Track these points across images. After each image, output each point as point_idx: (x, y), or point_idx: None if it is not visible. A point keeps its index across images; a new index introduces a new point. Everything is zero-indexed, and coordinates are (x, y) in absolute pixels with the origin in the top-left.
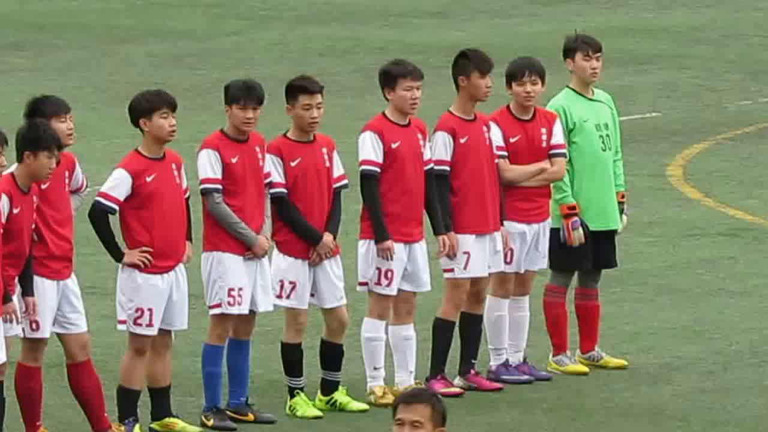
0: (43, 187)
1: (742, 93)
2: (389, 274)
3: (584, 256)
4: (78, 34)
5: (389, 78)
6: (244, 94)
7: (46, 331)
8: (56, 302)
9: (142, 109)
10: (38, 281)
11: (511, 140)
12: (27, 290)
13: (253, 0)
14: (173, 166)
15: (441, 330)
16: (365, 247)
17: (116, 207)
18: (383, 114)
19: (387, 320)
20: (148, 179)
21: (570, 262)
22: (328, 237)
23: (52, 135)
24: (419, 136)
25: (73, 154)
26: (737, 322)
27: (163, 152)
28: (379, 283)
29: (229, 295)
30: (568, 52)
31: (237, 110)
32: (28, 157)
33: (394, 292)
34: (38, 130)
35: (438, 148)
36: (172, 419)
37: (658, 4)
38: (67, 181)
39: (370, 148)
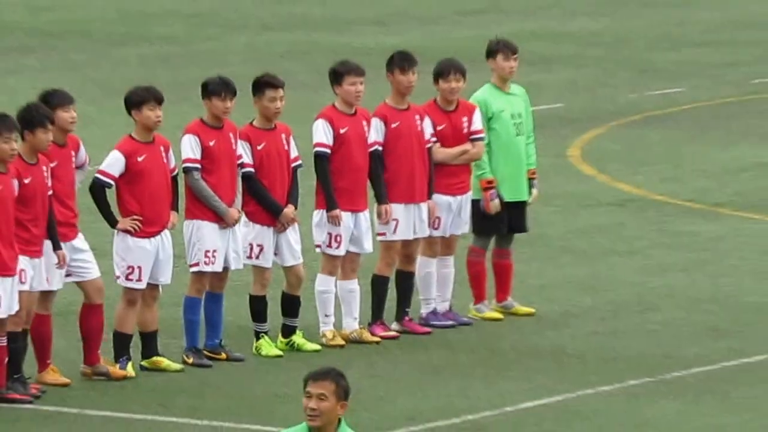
0: (52, 165)
1: (630, 88)
2: (338, 238)
3: (500, 223)
4: (80, 39)
5: (337, 75)
6: (222, 87)
7: (54, 284)
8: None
9: (134, 102)
10: (47, 244)
11: (438, 128)
12: (56, 245)
13: (225, 11)
14: (161, 148)
15: (377, 284)
16: (318, 216)
17: (112, 182)
18: (333, 105)
19: (336, 276)
20: (139, 159)
21: (488, 227)
22: (289, 209)
23: (44, 113)
24: (364, 123)
25: (78, 137)
26: (625, 277)
27: (153, 137)
28: (329, 246)
29: (206, 256)
30: (490, 54)
31: (217, 101)
32: (27, 135)
33: (342, 253)
34: (31, 111)
35: (371, 132)
36: (158, 358)
37: (561, 13)
38: (73, 159)
39: (321, 134)
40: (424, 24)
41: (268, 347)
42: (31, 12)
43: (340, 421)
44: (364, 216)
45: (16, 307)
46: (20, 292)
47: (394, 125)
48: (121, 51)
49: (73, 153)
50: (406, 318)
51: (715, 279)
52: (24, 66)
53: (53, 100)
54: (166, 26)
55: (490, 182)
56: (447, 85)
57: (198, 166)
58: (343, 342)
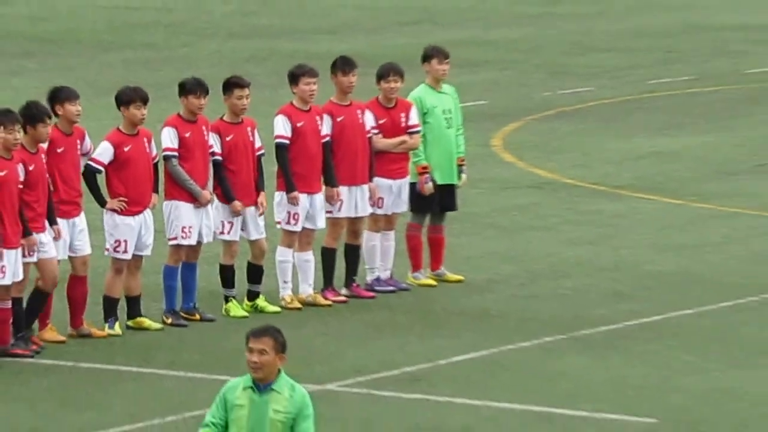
0: (59, 150)
1: (544, 87)
2: (296, 216)
3: (433, 202)
4: (74, 45)
5: (293, 77)
6: (197, 87)
7: (57, 255)
8: (68, 235)
9: (123, 100)
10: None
11: (380, 122)
12: (52, 221)
13: (198, 21)
14: (145, 139)
15: (326, 255)
16: (279, 197)
17: (102, 168)
18: (291, 103)
19: (293, 248)
20: (126, 149)
21: (423, 206)
22: (261, 196)
23: (43, 110)
24: (317, 118)
25: (83, 128)
26: (540, 249)
27: (137, 130)
28: (288, 223)
29: (182, 231)
30: (426, 58)
31: (192, 99)
32: (29, 129)
33: (299, 229)
34: (32, 108)
35: (323, 126)
36: (141, 318)
37: (486, 24)
38: (78, 147)
39: (281, 127)
40: (369, 33)
41: (236, 309)
42: (32, 22)
43: (279, 371)
44: (318, 197)
45: (21, 276)
46: (25, 264)
47: (339, 119)
48: (109, 56)
49: (78, 141)
50: (354, 284)
51: (618, 250)
52: (25, 68)
53: (62, 95)
54: (147, 35)
55: (424, 168)
56: (387, 86)
57: (176, 154)
58: (299, 305)
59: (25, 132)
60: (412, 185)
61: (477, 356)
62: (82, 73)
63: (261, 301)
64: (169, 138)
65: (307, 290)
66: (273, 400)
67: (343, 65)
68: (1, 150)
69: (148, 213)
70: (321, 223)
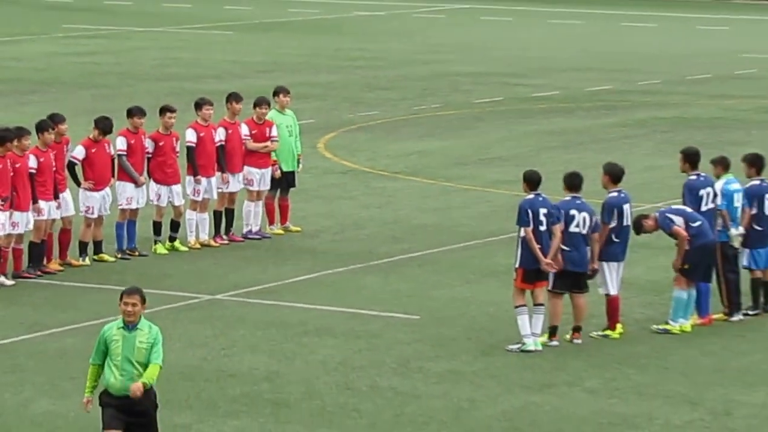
0: (53, 153)
1: (349, 111)
2: (198, 191)
3: (283, 182)
4: (60, 85)
5: (197, 105)
6: (138, 111)
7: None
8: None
9: (97, 125)
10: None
11: (253, 132)
12: (56, 195)
13: (136, 70)
14: (106, 145)
15: (216, 215)
16: (189, 179)
17: (78, 162)
18: (196, 121)
19: (196, 210)
20: (93, 150)
21: (276, 184)
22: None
23: (49, 124)
24: (213, 131)
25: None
26: (347, 211)
27: (101, 138)
28: (194, 195)
29: (126, 201)
30: (276, 93)
31: (135, 119)
32: (40, 135)
33: (200, 199)
34: (42, 123)
35: (218, 134)
36: (103, 254)
37: (314, 72)
38: (65, 150)
39: (191, 136)
40: (241, 77)
41: (161, 248)
42: (35, 71)
43: (140, 316)
44: (215, 179)
45: (31, 227)
46: (39, 221)
47: (230, 131)
48: (81, 92)
49: (65, 147)
50: (231, 233)
51: (395, 211)
52: (31, 101)
53: (57, 118)
54: (105, 79)
55: (275, 161)
56: (260, 110)
57: (125, 153)
58: (199, 246)
59: (39, 137)
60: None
61: (309, 277)
62: (66, 103)
63: (177, 244)
64: (121, 143)
65: (203, 237)
66: (138, 335)
67: (235, 97)
68: (18, 151)
69: (107, 190)
70: (215, 195)
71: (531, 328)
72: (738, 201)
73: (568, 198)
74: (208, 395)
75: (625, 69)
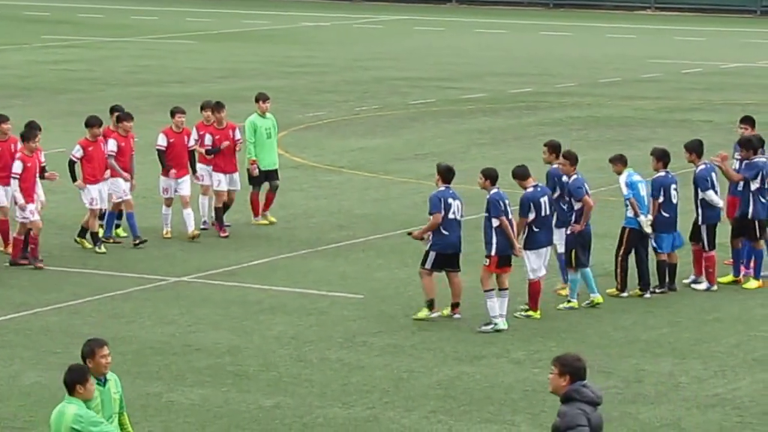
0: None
1: (299, 113)
2: (168, 190)
3: (265, 179)
4: (40, 90)
5: (172, 113)
6: (126, 116)
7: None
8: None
9: (89, 123)
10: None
11: (217, 137)
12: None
13: (108, 77)
14: (102, 144)
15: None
16: (161, 178)
17: (77, 160)
18: (170, 127)
19: (171, 206)
20: (90, 149)
21: (256, 181)
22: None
23: (34, 133)
24: (185, 137)
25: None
26: (298, 202)
27: (96, 138)
28: (164, 193)
29: (116, 194)
30: (257, 100)
31: (125, 123)
32: (27, 142)
33: (173, 196)
34: (30, 127)
35: (206, 140)
36: (84, 240)
37: (266, 77)
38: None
39: (162, 141)
40: (201, 83)
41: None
42: (17, 78)
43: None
44: (186, 179)
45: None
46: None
47: (217, 136)
48: (59, 97)
49: (12, 146)
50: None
51: (340, 202)
52: (14, 104)
53: (34, 124)
54: (80, 84)
55: (254, 161)
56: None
57: (114, 153)
58: (169, 236)
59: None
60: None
61: (266, 260)
62: (45, 107)
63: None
64: (112, 144)
65: (191, 227)
66: (110, 387)
67: (217, 105)
68: (28, 151)
69: (103, 183)
70: (187, 192)
71: (498, 310)
72: (643, 190)
73: (442, 188)
74: (177, 367)
75: (544, 73)
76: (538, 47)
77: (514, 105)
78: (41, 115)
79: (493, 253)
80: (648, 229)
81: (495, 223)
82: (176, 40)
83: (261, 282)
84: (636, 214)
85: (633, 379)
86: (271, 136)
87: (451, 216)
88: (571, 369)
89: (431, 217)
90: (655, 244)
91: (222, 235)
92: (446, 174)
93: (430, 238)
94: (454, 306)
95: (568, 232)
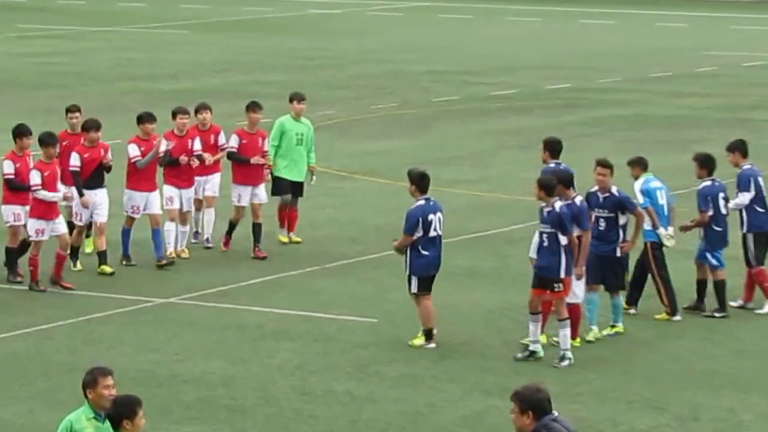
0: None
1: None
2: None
3: (291, 190)
4: (18, 85)
5: (174, 114)
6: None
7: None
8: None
9: (86, 127)
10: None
11: (244, 141)
12: None
13: (92, 71)
14: (102, 150)
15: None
16: (165, 187)
17: (78, 169)
18: (172, 131)
19: (176, 220)
20: (85, 155)
21: (279, 191)
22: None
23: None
24: (190, 141)
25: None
26: (303, 212)
27: (96, 143)
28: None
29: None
30: (291, 100)
31: (147, 125)
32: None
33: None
34: (19, 127)
35: (231, 141)
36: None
37: (264, 71)
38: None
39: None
40: (196, 77)
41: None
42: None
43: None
44: (192, 189)
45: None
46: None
47: (244, 141)
48: (38, 92)
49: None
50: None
51: (352, 212)
52: None
53: (22, 127)
54: (62, 78)
55: (269, 165)
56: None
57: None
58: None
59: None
60: (275, 178)
61: (266, 279)
62: (23, 102)
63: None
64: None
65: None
66: (109, 425)
67: (252, 106)
68: (45, 158)
69: (103, 191)
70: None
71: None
72: (662, 198)
73: (421, 201)
74: (161, 401)
75: (585, 67)
76: (577, 37)
77: (550, 102)
78: (16, 114)
79: (562, 275)
80: (669, 243)
81: (563, 240)
82: (167, 30)
83: (260, 303)
84: (654, 226)
85: (688, 416)
86: (302, 143)
87: (432, 233)
88: (532, 403)
89: (404, 235)
90: (714, 262)
91: (224, 248)
92: (421, 182)
93: (407, 257)
94: (429, 334)
95: (620, 253)
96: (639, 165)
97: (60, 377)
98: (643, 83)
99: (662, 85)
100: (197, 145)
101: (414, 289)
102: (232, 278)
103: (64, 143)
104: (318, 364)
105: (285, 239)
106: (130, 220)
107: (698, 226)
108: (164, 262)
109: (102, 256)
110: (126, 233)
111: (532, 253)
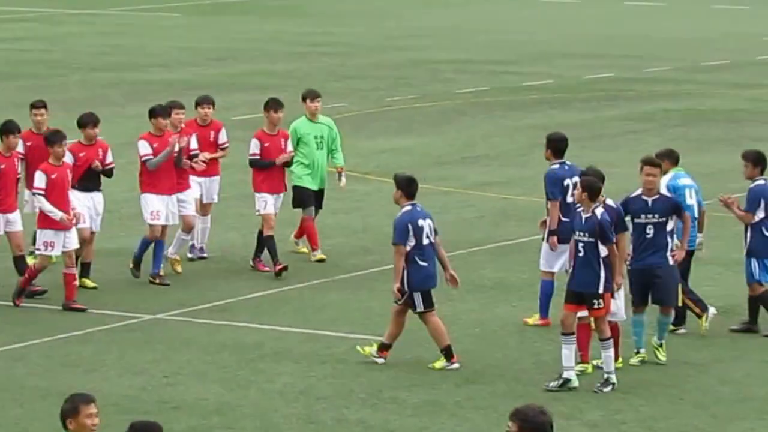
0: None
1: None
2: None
3: (313, 201)
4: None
5: (168, 110)
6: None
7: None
8: None
9: (82, 123)
10: None
11: (265, 145)
12: None
13: (68, 59)
14: (99, 150)
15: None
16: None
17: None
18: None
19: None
20: (81, 155)
21: (302, 202)
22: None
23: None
24: (186, 138)
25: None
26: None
27: (94, 141)
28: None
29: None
30: (304, 99)
31: (161, 119)
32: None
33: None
34: (6, 123)
35: (252, 147)
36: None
37: (271, 60)
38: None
39: (144, 149)
40: (189, 66)
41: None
42: None
43: None
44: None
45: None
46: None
47: (266, 144)
48: (6, 83)
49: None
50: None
51: (365, 218)
52: None
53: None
54: (33, 68)
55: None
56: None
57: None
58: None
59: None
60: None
61: (266, 293)
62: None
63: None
64: (144, 146)
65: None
66: None
67: (272, 105)
68: (54, 160)
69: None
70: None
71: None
72: (691, 198)
73: (408, 207)
74: None
75: (630, 54)
76: (621, 21)
77: (590, 95)
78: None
79: (602, 290)
80: (699, 252)
81: (603, 251)
82: (157, 13)
83: (260, 320)
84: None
85: None
86: (323, 147)
87: (425, 242)
88: (534, 425)
89: (395, 247)
90: (757, 275)
91: (261, 269)
92: (408, 187)
93: (405, 276)
94: (448, 352)
95: (673, 261)
96: (669, 158)
97: (32, 404)
98: (697, 73)
99: (719, 75)
100: (193, 143)
101: (420, 307)
102: (229, 292)
103: (28, 144)
104: (326, 390)
105: (305, 249)
106: (153, 229)
107: (740, 220)
108: (157, 281)
109: (85, 268)
110: (145, 243)
111: (567, 265)
